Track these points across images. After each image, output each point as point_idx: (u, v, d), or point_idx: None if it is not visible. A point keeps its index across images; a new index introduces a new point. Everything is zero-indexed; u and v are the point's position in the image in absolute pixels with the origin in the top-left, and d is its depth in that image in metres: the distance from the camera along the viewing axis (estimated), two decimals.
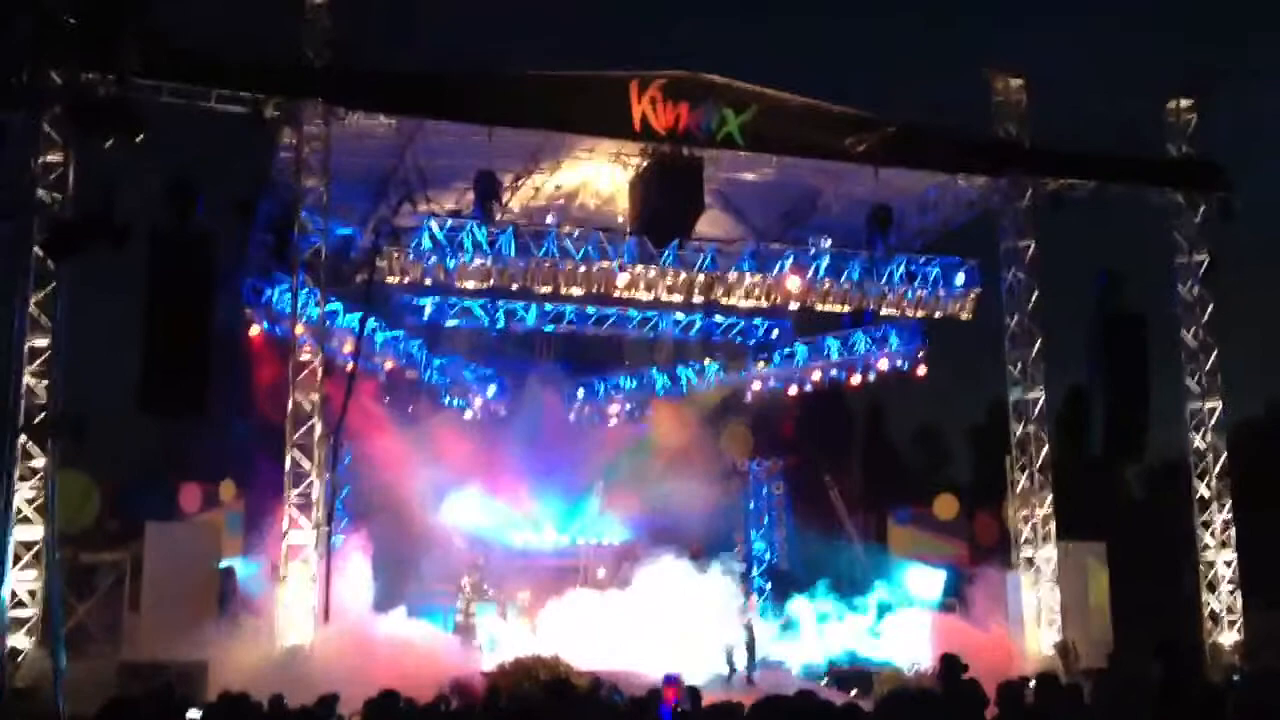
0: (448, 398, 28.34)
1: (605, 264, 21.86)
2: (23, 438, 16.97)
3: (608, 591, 24.15)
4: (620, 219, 23.34)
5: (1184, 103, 24.10)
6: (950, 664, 10.53)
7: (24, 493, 17.02)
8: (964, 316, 23.53)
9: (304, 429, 19.03)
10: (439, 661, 19.26)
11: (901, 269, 23.19)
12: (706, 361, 29.98)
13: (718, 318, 28.31)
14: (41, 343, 17.18)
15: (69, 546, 18.61)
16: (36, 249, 16.69)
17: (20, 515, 17.02)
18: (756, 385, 29.52)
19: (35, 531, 16.99)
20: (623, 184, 22.46)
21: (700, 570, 24.39)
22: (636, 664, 19.92)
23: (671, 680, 16.80)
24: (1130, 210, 24.30)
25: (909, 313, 23.81)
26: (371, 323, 23.69)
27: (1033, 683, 11.53)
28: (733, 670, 22.09)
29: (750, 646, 22.44)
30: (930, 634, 23.00)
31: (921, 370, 27.23)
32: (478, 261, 21.23)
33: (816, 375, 28.77)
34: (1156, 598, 24.92)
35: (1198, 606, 23.32)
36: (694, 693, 14.13)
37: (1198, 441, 23.83)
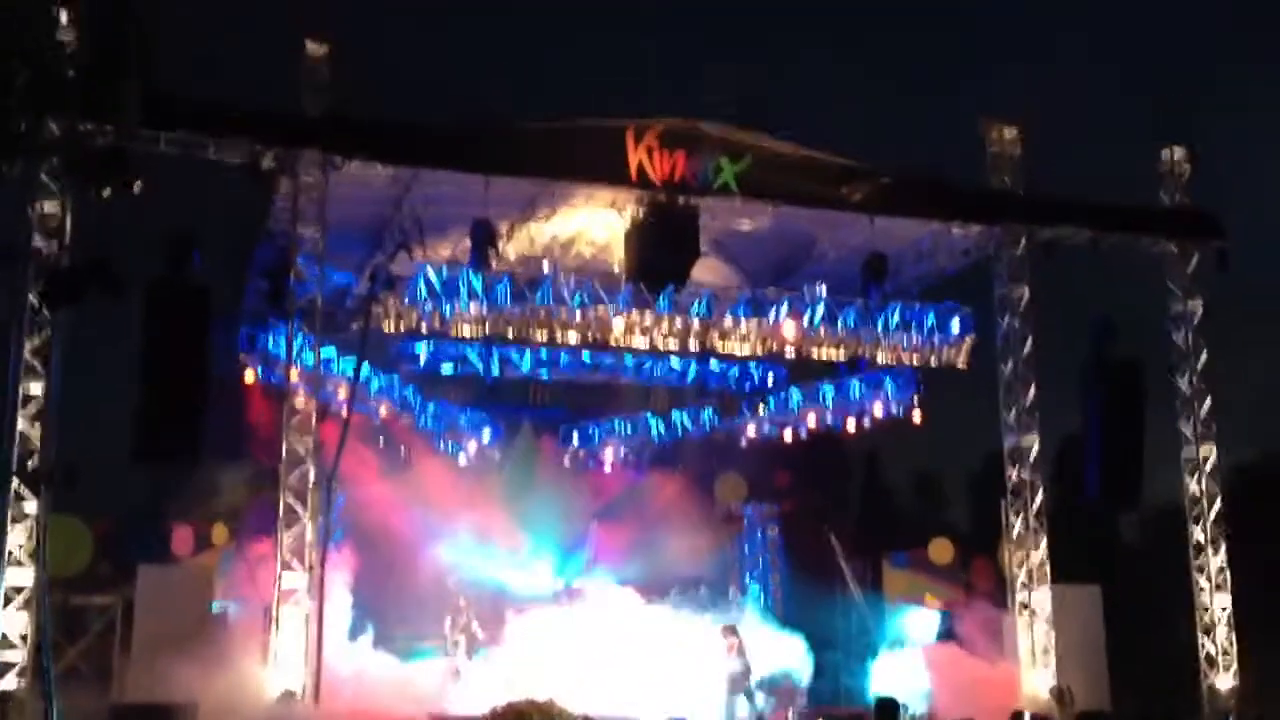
0: (442, 443, 28.36)
1: (601, 311, 21.93)
2: (15, 482, 17.06)
3: (605, 635, 24.08)
4: (616, 267, 23.43)
5: (1178, 152, 24.29)
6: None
7: (15, 537, 17.08)
8: (959, 364, 23.58)
9: (297, 473, 19.09)
10: (433, 706, 19.23)
11: (896, 316, 23.25)
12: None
13: (713, 364, 28.38)
14: (36, 389, 17.28)
15: (60, 590, 18.63)
16: (32, 297, 16.80)
17: (12, 559, 17.08)
18: (751, 431, 29.56)
19: (27, 575, 17.04)
20: (618, 232, 22.55)
21: (697, 614, 24.42)
22: (634, 707, 19.92)
23: None
24: (1125, 257, 24.44)
25: (904, 359, 23.86)
26: (366, 369, 23.77)
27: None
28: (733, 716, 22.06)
29: (749, 691, 22.38)
30: (928, 670, 22.98)
31: (917, 417, 27.26)
32: (473, 308, 21.27)
33: (812, 421, 28.82)
34: (1152, 642, 24.92)
35: (1194, 651, 23.30)
36: None
37: (1193, 487, 23.88)
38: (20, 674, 16.90)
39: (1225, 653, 23.13)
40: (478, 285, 21.30)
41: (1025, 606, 22.43)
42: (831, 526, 28.73)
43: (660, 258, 21.51)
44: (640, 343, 22.72)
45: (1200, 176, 24.35)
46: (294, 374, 19.62)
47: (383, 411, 26.18)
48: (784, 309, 22.89)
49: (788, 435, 29.23)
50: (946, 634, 25.53)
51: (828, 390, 28.44)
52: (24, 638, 17.01)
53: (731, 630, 23.09)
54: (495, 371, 27.26)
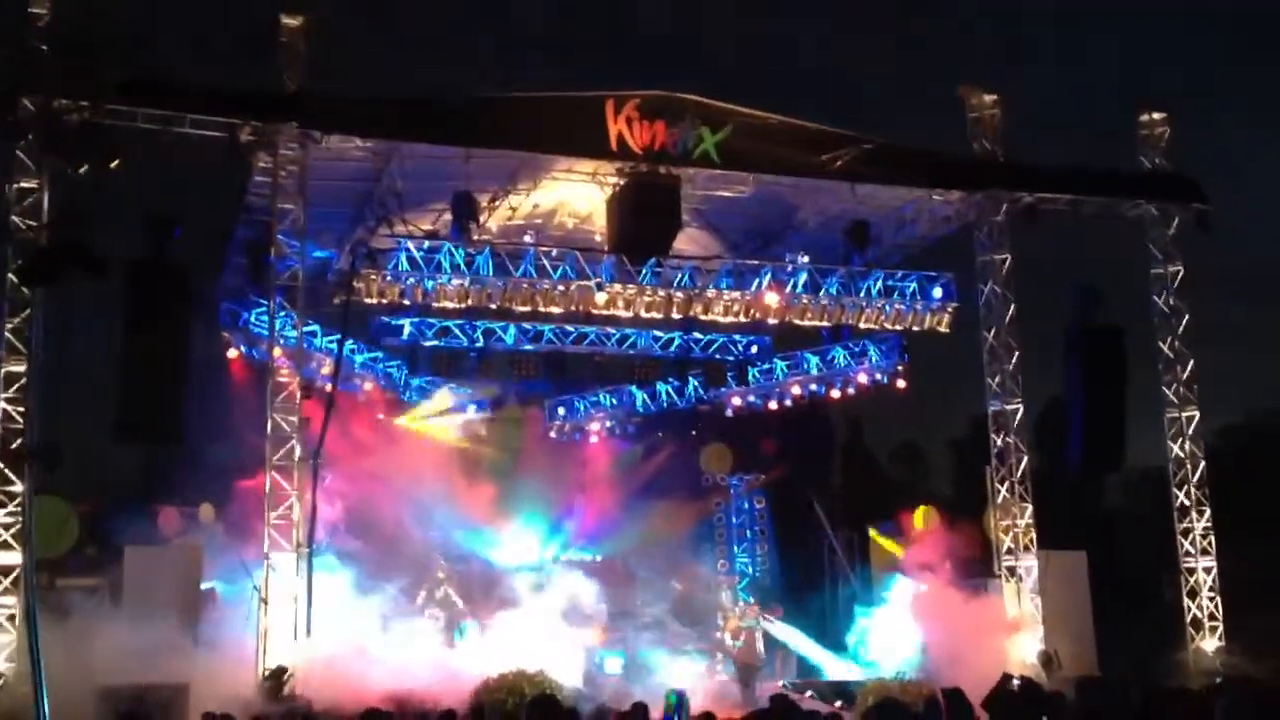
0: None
1: (583, 283, 21.89)
2: None
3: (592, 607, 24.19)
4: (598, 238, 23.42)
5: (1156, 115, 24.34)
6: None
7: (1, 519, 17.01)
8: (942, 330, 23.62)
9: (283, 450, 19.05)
10: (423, 679, 19.24)
11: (879, 284, 23.26)
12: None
13: (697, 335, 28.38)
14: (17, 369, 17.18)
15: (46, 572, 18.55)
16: (11, 275, 16.68)
17: None
18: (736, 401, 29.57)
19: (13, 557, 16.98)
20: (600, 203, 22.51)
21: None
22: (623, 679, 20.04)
23: (679, 696, 16.96)
24: (1106, 222, 24.50)
25: (887, 327, 23.91)
26: (350, 344, 23.68)
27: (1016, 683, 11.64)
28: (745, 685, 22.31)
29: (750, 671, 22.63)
30: (917, 621, 23.07)
31: (901, 384, 27.30)
32: (455, 282, 21.24)
33: (796, 390, 28.83)
34: (1138, 605, 25.03)
35: (1179, 613, 23.44)
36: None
37: (1176, 450, 23.98)
38: (10, 657, 16.87)
39: (1211, 616, 23.28)
40: (459, 258, 21.26)
41: (1012, 572, 22.51)
42: (817, 496, 28.79)
43: (642, 228, 21.49)
44: (623, 314, 22.73)
45: (1180, 144, 24.43)
46: (277, 351, 19.55)
47: (367, 387, 26.13)
48: (766, 278, 22.88)
49: (773, 405, 29.22)
50: None
51: (812, 359, 28.45)
52: (12, 619, 16.96)
53: (752, 612, 23.34)
54: (480, 345, 27.20)
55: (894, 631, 24.13)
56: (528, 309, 22.13)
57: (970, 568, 24.50)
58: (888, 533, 27.80)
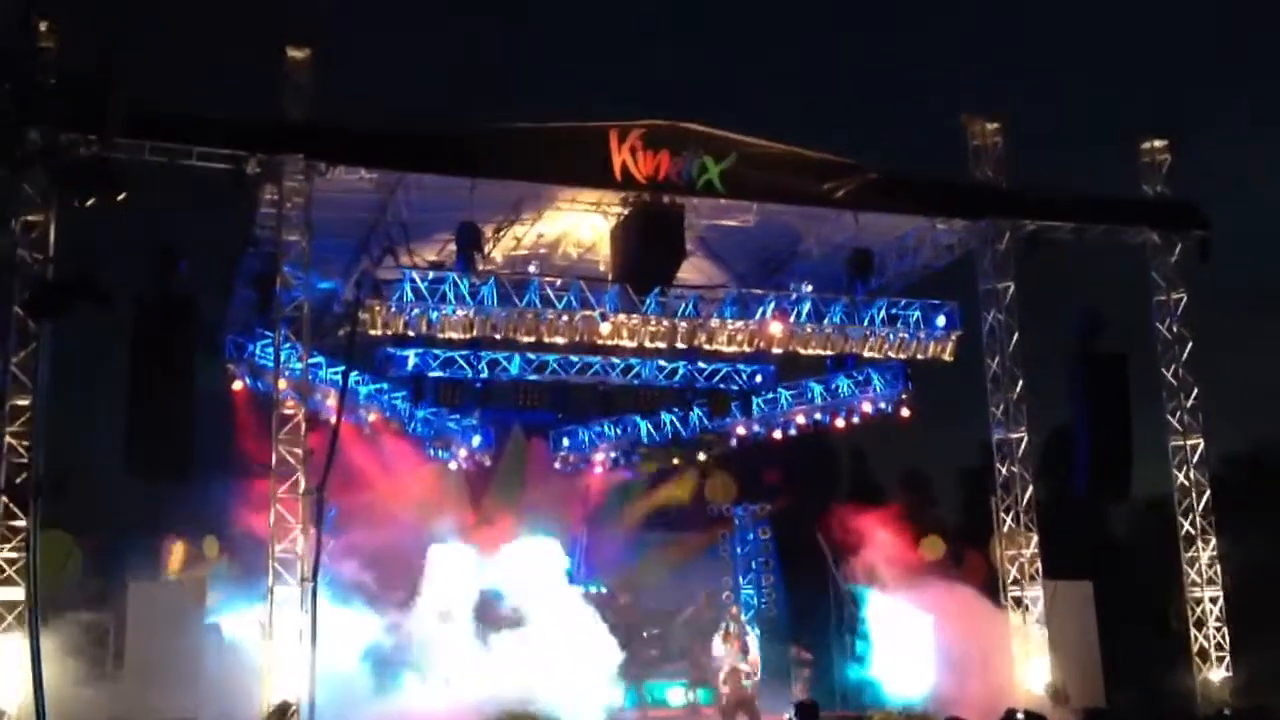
0: (432, 448, 28.26)
1: (588, 313, 21.90)
2: (3, 498, 16.92)
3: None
4: (602, 268, 23.44)
5: (1158, 143, 24.40)
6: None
7: (5, 553, 16.95)
8: (945, 358, 23.63)
9: (288, 483, 18.98)
10: (428, 714, 19.16)
11: (882, 312, 23.30)
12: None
13: (701, 364, 28.37)
14: (22, 402, 17.15)
15: (50, 607, 18.45)
16: (17, 309, 16.68)
17: (2, 576, 16.96)
18: (741, 430, 29.53)
19: (17, 593, 16.90)
20: (604, 233, 22.58)
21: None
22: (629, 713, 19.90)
23: None
24: (1109, 249, 24.52)
25: (891, 355, 23.91)
26: (355, 376, 23.66)
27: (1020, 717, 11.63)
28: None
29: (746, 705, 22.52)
30: (922, 643, 22.93)
31: (905, 412, 27.27)
32: (460, 312, 21.25)
33: (801, 419, 28.81)
34: (1145, 635, 24.92)
35: (1186, 643, 23.32)
36: None
37: (1181, 478, 23.90)
38: (13, 694, 16.77)
39: (1219, 646, 23.15)
40: (464, 289, 21.28)
41: (1018, 602, 22.40)
42: (821, 527, 28.68)
43: (646, 258, 21.55)
44: (628, 344, 22.73)
45: (1183, 170, 24.48)
46: (282, 383, 19.51)
47: (372, 418, 26.09)
48: (770, 308, 22.90)
49: (777, 434, 29.19)
50: None
51: (816, 388, 28.46)
52: (15, 656, 16.85)
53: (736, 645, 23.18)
54: (484, 375, 27.17)
55: (899, 663, 23.98)
56: (532, 339, 22.11)
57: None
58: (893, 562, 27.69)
